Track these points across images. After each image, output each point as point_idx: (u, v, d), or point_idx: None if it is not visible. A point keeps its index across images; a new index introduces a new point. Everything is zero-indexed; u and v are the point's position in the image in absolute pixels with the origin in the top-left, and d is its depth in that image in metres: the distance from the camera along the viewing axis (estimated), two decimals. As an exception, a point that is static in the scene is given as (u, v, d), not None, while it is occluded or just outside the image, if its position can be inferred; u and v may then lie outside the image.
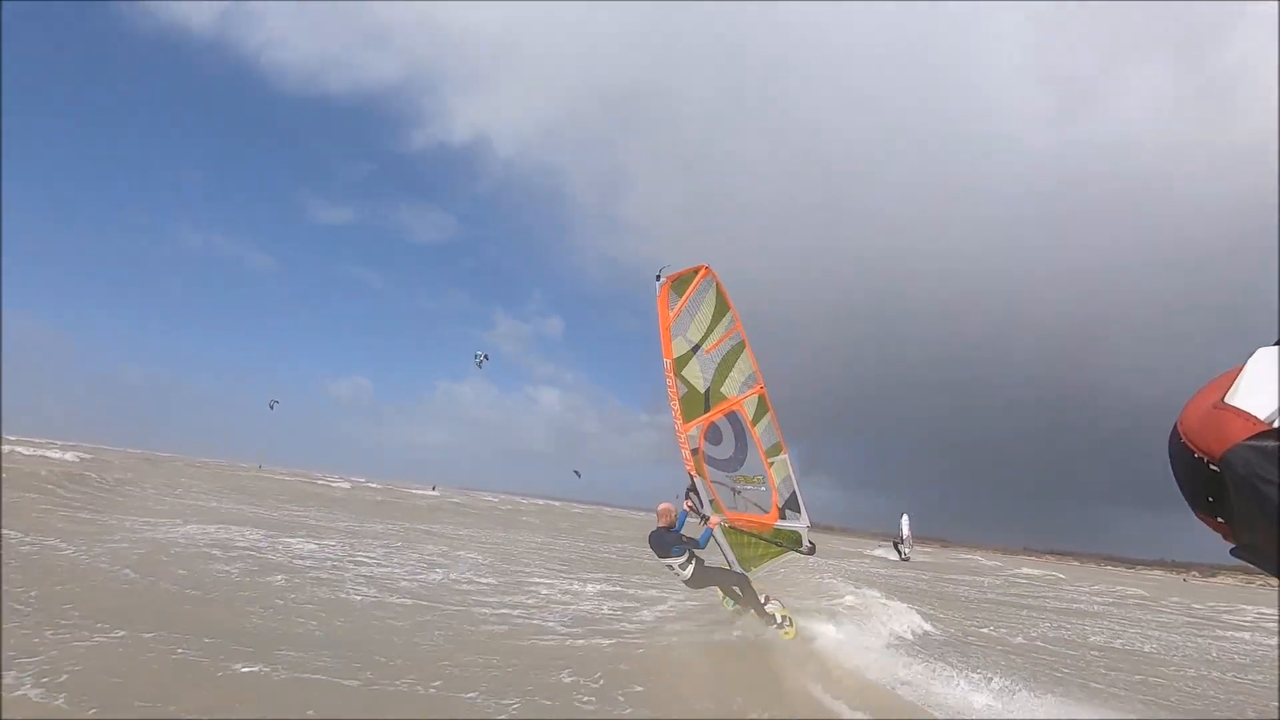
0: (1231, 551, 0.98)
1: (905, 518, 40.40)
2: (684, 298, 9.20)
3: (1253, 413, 0.90)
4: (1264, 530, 0.87)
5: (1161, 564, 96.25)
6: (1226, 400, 0.93)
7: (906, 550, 39.74)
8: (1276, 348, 0.96)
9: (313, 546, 14.98)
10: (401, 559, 15.12)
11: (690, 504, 8.79)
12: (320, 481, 55.42)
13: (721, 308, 9.46)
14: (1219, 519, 0.96)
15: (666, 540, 8.66)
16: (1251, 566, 1.03)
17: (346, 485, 53.61)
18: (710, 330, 9.35)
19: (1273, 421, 0.89)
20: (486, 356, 31.99)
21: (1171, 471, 0.99)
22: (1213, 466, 0.92)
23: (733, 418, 9.34)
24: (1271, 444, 0.87)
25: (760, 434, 9.48)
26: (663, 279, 9.13)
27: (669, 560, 8.67)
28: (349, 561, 13.73)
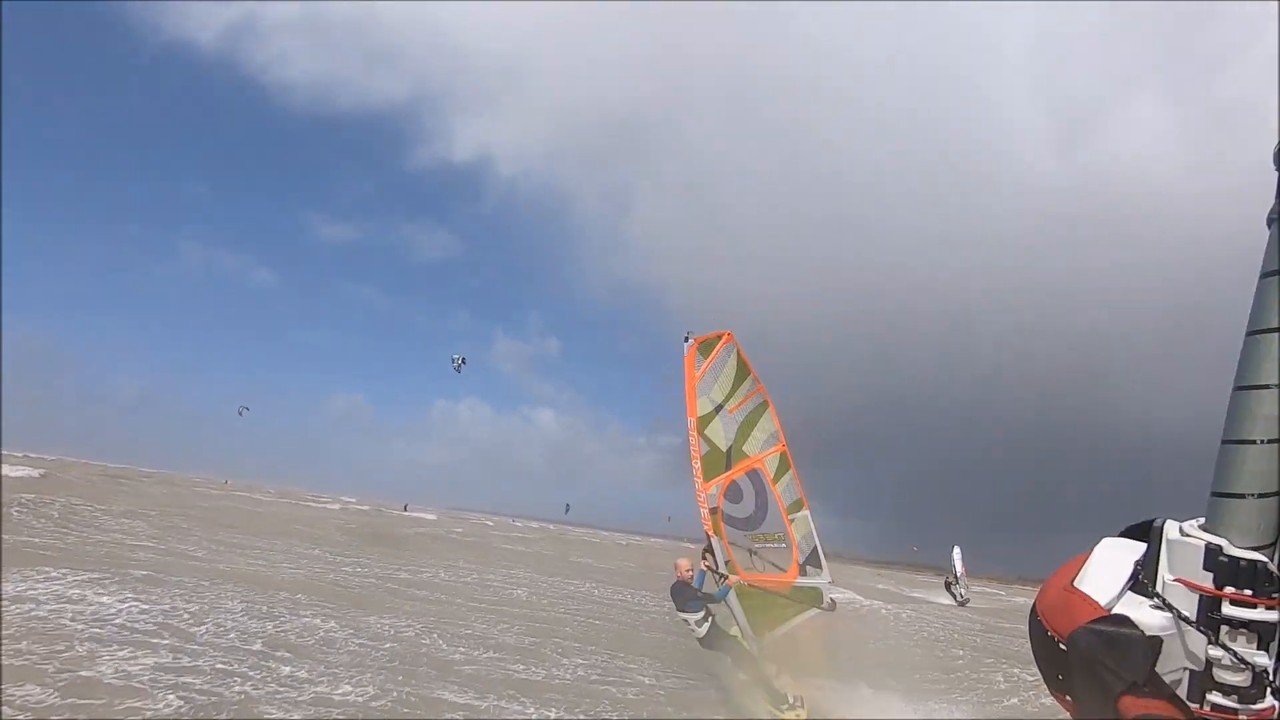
0: None
1: (957, 551, 34.20)
2: (709, 360, 9.80)
3: (1094, 597, 0.97)
4: (1099, 711, 0.94)
5: None
6: (1075, 584, 1.01)
7: (963, 591, 33.01)
8: (1119, 539, 1.06)
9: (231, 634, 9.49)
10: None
11: (707, 564, 9.08)
12: (308, 503, 49.62)
13: (743, 371, 10.03)
14: (1067, 696, 1.01)
15: (685, 594, 8.87)
16: None
17: (336, 507, 48.67)
18: (733, 392, 9.89)
19: (1111, 607, 0.96)
20: (464, 360, 30.66)
21: (1031, 647, 1.05)
22: (1061, 645, 0.97)
23: (754, 475, 9.76)
24: (1108, 628, 0.94)
25: (781, 491, 9.86)
26: (690, 341, 9.79)
27: (686, 615, 8.85)
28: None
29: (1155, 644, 0.91)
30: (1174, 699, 0.90)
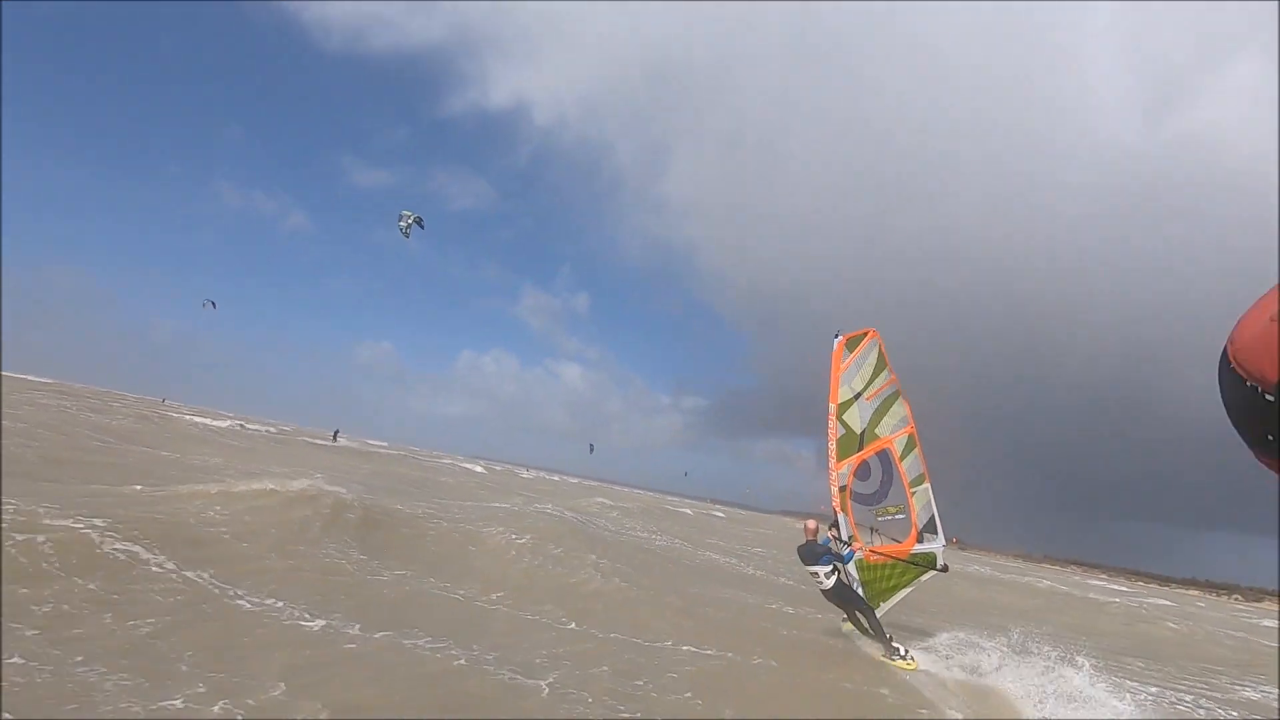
0: None
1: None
2: (854, 353, 11.28)
3: None
4: None
5: (1197, 583, 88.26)
6: None
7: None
8: None
9: None
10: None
11: (833, 534, 10.90)
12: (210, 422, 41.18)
13: (881, 363, 11.44)
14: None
15: (816, 551, 10.49)
16: None
17: (224, 424, 43.15)
18: (871, 381, 11.37)
19: None
20: (419, 220, 22.25)
21: (1222, 403, 0.82)
22: (1268, 396, 0.76)
23: (883, 455, 11.40)
24: None
25: (906, 467, 11.47)
26: (839, 337, 11.27)
27: (815, 568, 10.46)
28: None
29: None
30: None
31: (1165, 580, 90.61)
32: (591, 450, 58.25)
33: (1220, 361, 0.83)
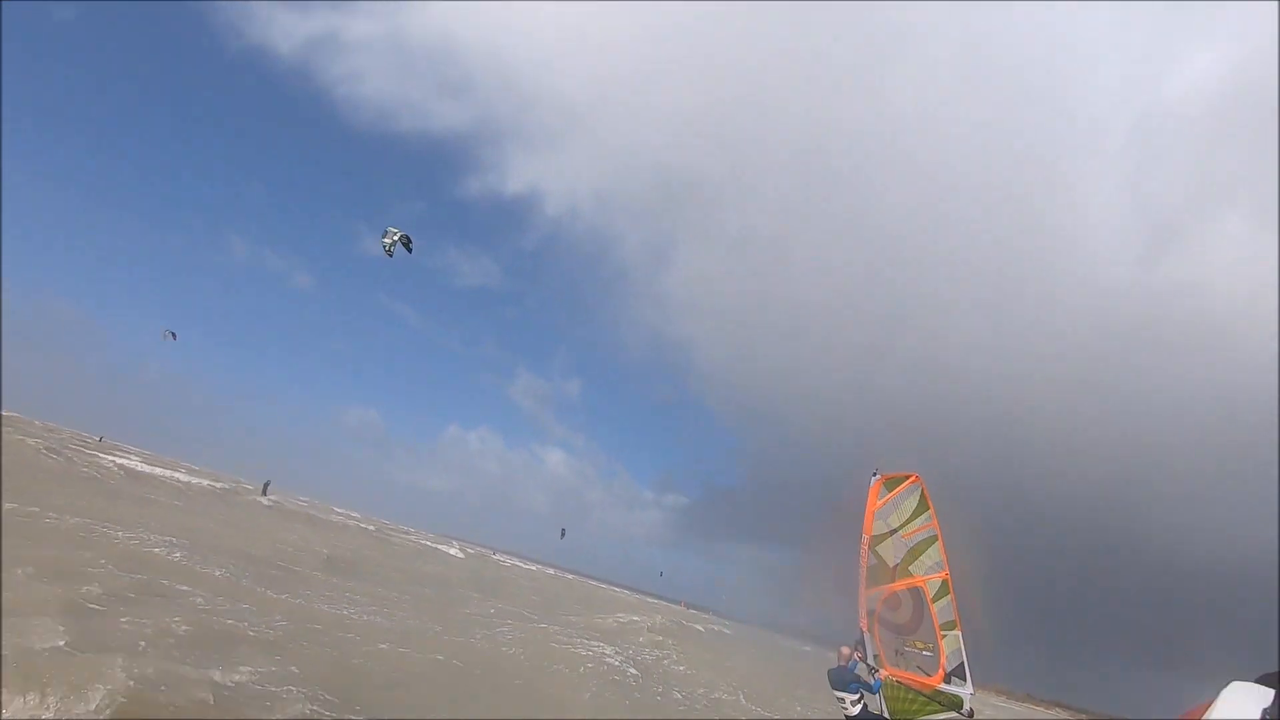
0: None
1: None
2: (892, 493, 12.55)
3: None
4: None
5: None
6: None
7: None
8: (1247, 684, 0.99)
9: None
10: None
11: (859, 654, 11.97)
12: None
13: (923, 506, 12.18)
14: None
15: (845, 677, 11.69)
16: None
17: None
18: (909, 521, 12.31)
19: None
20: (408, 240, 20.18)
21: None
22: None
23: (915, 592, 12.05)
24: None
25: (938, 611, 11.77)
26: (878, 475, 12.80)
27: (842, 694, 11.62)
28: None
29: None
30: None
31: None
32: (563, 535, 56.02)
33: None
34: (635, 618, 33.69)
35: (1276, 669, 1.05)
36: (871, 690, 11.63)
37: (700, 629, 40.13)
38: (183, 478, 43.12)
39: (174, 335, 38.08)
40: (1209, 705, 1.09)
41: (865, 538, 12.56)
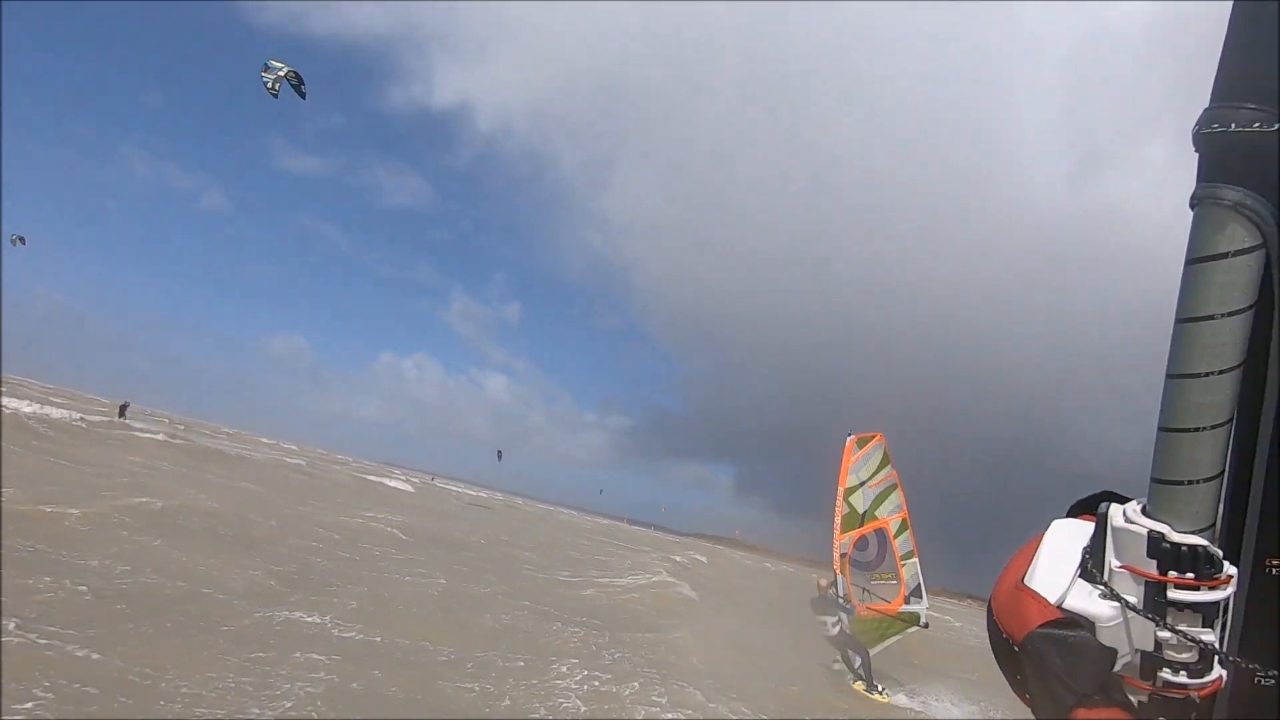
0: None
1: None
2: (862, 450, 14.88)
3: (1044, 594, 0.91)
4: (1053, 716, 0.88)
5: None
6: (1025, 581, 0.94)
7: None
8: (1069, 520, 0.98)
9: None
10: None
11: (833, 591, 14.16)
12: None
13: (884, 460, 14.88)
14: (1026, 695, 0.95)
15: (825, 604, 13.92)
16: None
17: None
18: (875, 473, 14.85)
19: (1061, 602, 0.90)
20: (298, 78, 17.88)
21: (990, 645, 0.99)
22: (1015, 647, 0.92)
23: (880, 533, 14.68)
24: (1059, 634, 0.88)
25: (898, 545, 14.63)
26: (851, 436, 14.94)
27: (824, 618, 13.96)
28: None
29: (1109, 655, 0.87)
30: (1126, 705, 0.87)
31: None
32: (500, 457, 55.43)
33: (987, 613, 0.99)
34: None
35: (1089, 495, 1.04)
36: (849, 613, 13.56)
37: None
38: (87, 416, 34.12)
39: (22, 240, 35.14)
40: (1036, 545, 1.05)
41: (840, 490, 14.52)
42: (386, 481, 48.82)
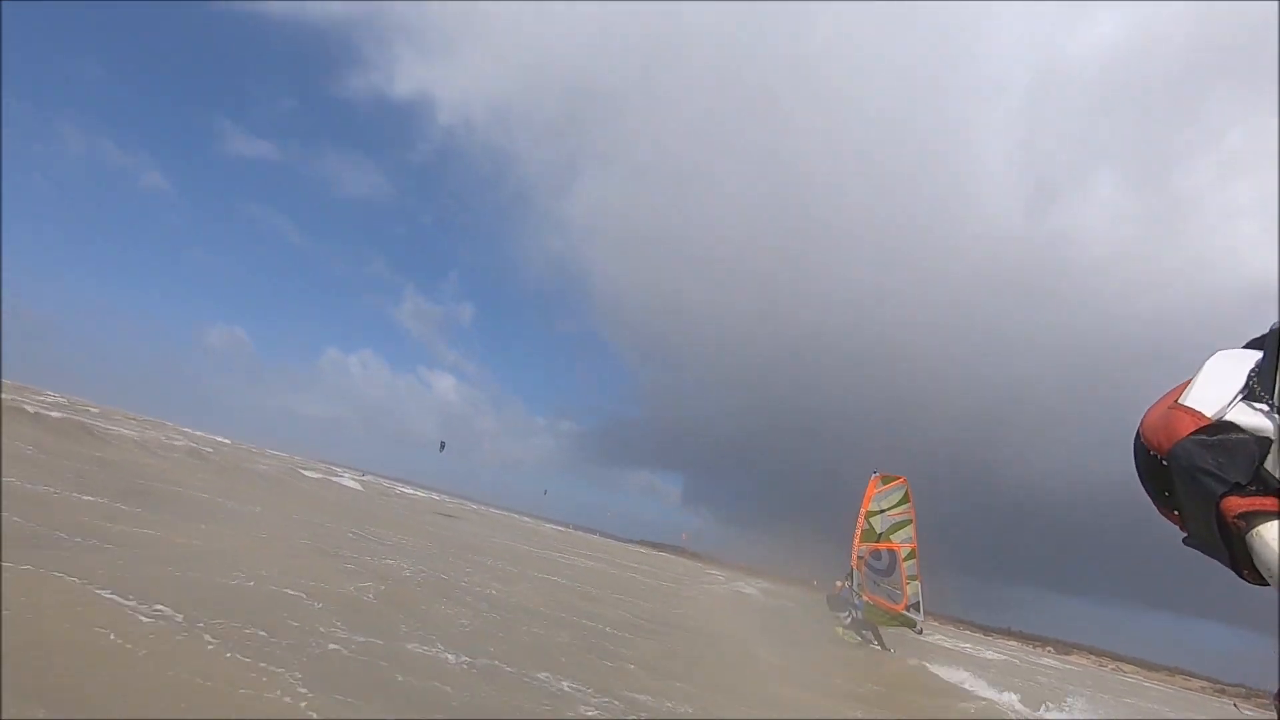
0: (1184, 541, 1.00)
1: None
2: (886, 486, 18.62)
3: (1199, 409, 0.93)
4: (1203, 520, 0.90)
5: (1010, 633, 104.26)
6: (1181, 401, 0.97)
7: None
8: (1235, 350, 1.00)
9: None
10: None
11: (847, 584, 17.90)
12: None
13: (905, 499, 18.35)
14: (1175, 511, 0.98)
15: (840, 601, 17.96)
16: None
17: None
18: (895, 505, 18.39)
19: (1218, 416, 0.91)
20: None
21: (1135, 470, 1.03)
22: (1164, 462, 0.95)
23: (891, 553, 18.01)
24: (1210, 436, 0.90)
25: (906, 568, 17.76)
26: (876, 473, 18.82)
27: (839, 614, 17.94)
28: None
29: (1264, 444, 0.86)
30: None
31: (987, 630, 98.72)
32: (442, 448, 54.24)
33: (1134, 439, 1.02)
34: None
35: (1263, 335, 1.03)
36: (859, 611, 17.13)
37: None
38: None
39: None
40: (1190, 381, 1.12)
41: (863, 510, 18.38)
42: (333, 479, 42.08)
